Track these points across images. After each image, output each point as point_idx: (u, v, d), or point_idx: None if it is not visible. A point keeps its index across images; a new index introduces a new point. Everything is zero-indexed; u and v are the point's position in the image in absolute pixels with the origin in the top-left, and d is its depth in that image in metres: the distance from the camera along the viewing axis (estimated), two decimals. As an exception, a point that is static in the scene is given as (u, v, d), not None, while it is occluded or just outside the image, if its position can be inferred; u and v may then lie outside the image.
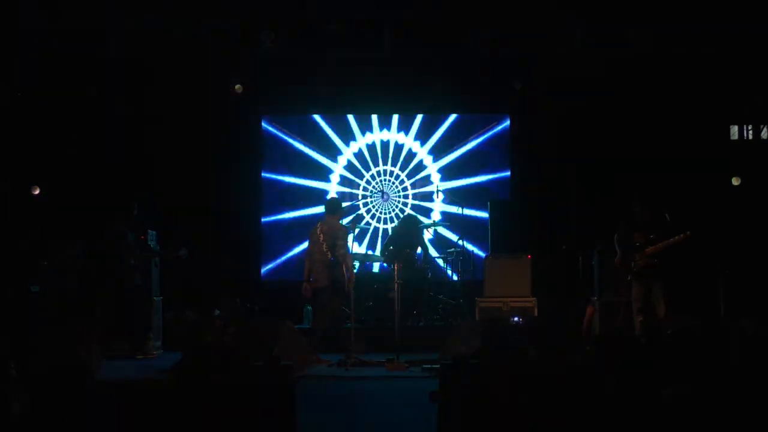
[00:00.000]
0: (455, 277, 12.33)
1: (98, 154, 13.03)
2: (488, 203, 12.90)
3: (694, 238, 9.60)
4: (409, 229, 12.20)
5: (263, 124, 13.75)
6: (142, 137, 13.10)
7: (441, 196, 13.18)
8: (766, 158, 12.92)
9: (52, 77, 12.78)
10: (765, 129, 12.75)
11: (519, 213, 12.74)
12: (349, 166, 13.62)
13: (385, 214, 13.30)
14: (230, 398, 5.76)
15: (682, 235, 9.56)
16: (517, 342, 6.80)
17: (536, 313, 10.85)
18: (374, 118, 13.76)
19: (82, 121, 12.95)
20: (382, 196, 12.55)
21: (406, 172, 13.57)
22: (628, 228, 9.93)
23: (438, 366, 8.55)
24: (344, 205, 10.59)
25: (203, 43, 12.35)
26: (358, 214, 12.28)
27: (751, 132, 13.29)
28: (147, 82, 12.75)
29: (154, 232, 11.30)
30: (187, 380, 5.27)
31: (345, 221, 10.35)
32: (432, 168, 13.57)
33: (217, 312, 11.59)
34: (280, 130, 13.76)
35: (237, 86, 12.57)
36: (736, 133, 13.56)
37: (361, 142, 13.71)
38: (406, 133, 13.71)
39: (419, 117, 13.70)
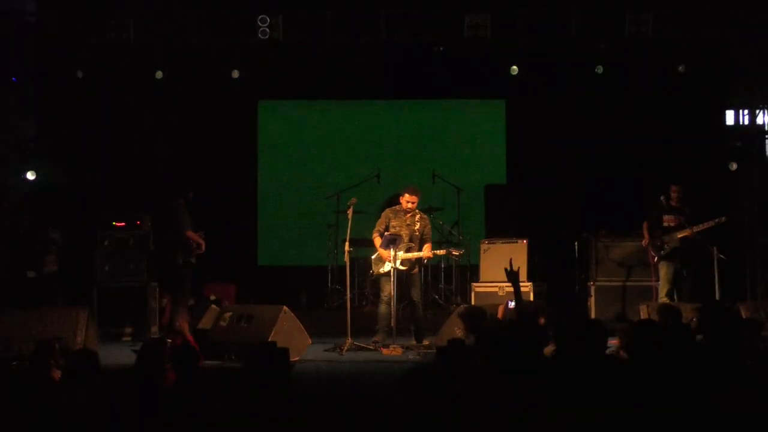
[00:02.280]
0: (451, 262, 12.34)
1: (93, 140, 13.01)
2: (484, 188, 12.91)
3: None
4: None
5: (260, 108, 13.74)
6: (138, 122, 13.07)
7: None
8: (761, 143, 12.92)
9: (48, 62, 12.76)
10: (761, 114, 12.73)
11: (515, 197, 12.75)
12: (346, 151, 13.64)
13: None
14: (226, 382, 5.77)
15: (717, 220, 9.70)
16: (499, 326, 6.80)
17: (531, 298, 10.84)
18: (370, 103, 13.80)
19: (77, 107, 12.92)
20: (378, 181, 12.50)
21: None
22: (658, 211, 10.08)
23: (434, 350, 8.59)
24: (406, 189, 10.15)
25: (201, 28, 12.33)
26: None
27: (747, 117, 13.30)
28: (143, 67, 12.69)
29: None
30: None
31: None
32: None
33: (213, 297, 11.59)
34: (276, 115, 13.76)
35: None
36: (732, 118, 13.58)
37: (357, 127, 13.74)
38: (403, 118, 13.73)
39: (416, 102, 13.71)
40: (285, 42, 12.34)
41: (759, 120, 12.80)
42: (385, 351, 9.32)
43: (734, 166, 12.55)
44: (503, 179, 13.47)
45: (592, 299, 11.06)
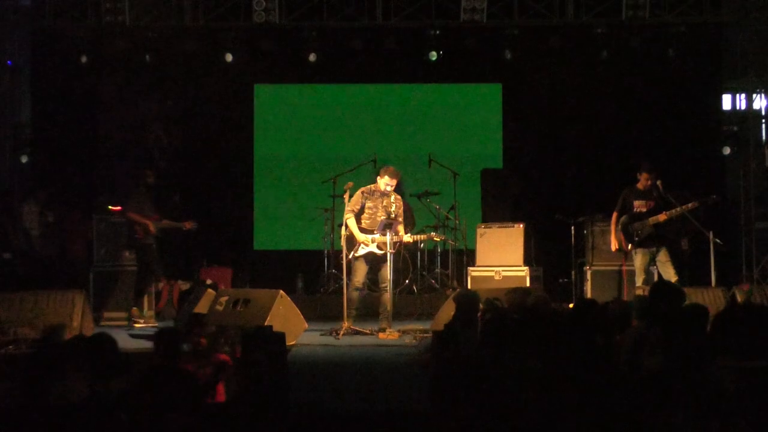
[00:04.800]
0: (447, 247, 12.34)
1: (88, 124, 12.98)
2: (480, 172, 12.90)
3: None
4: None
5: (256, 92, 13.72)
6: (133, 106, 13.03)
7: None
8: (757, 127, 12.91)
9: (42, 47, 12.72)
10: (757, 98, 12.72)
11: (511, 182, 12.73)
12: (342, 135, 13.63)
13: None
14: (223, 366, 5.78)
15: (689, 205, 9.58)
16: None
17: (528, 283, 10.84)
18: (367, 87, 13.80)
19: (73, 90, 12.88)
20: (374, 166, 12.46)
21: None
22: (629, 196, 9.96)
23: (429, 334, 8.60)
24: (386, 171, 9.69)
25: (196, 11, 12.29)
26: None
27: (743, 101, 13.29)
28: (138, 50, 12.63)
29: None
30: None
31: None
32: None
33: (209, 281, 11.59)
34: (272, 98, 13.74)
35: None
36: (729, 102, 13.57)
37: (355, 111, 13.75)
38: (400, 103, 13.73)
39: (412, 86, 13.70)
40: (281, 25, 12.31)
41: (756, 104, 12.79)
42: (381, 335, 9.32)
43: (727, 151, 12.55)
44: (499, 164, 13.45)
45: (589, 284, 11.06)
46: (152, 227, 10.56)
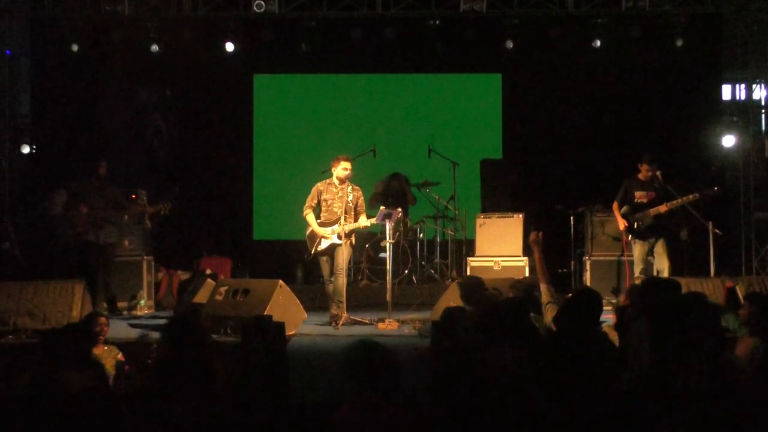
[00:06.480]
0: (447, 237, 12.35)
1: (87, 114, 12.97)
2: (480, 162, 12.89)
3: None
4: (398, 187, 12.35)
5: (255, 82, 13.71)
6: (132, 97, 13.03)
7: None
8: (757, 118, 12.89)
9: (41, 37, 12.69)
10: (757, 88, 12.70)
11: (511, 172, 12.73)
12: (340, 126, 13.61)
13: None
14: (223, 356, 5.79)
15: (691, 196, 9.58)
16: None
17: (527, 273, 10.85)
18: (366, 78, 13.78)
19: (72, 80, 12.86)
20: (374, 156, 12.43)
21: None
22: (630, 186, 9.97)
23: (430, 324, 8.61)
24: (339, 157, 9.74)
25: (196, 1, 12.26)
26: None
27: (743, 91, 13.27)
28: (137, 40, 12.60)
29: (144, 191, 11.27)
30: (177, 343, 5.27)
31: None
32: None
33: (208, 271, 11.60)
34: (272, 89, 13.73)
35: None
36: (729, 92, 13.54)
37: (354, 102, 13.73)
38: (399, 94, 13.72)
39: (412, 76, 13.69)
40: (280, 15, 12.28)
41: (755, 95, 12.77)
42: (380, 325, 9.32)
43: (729, 142, 12.54)
44: (499, 154, 13.45)
45: (588, 274, 11.07)
46: (78, 220, 10.21)
